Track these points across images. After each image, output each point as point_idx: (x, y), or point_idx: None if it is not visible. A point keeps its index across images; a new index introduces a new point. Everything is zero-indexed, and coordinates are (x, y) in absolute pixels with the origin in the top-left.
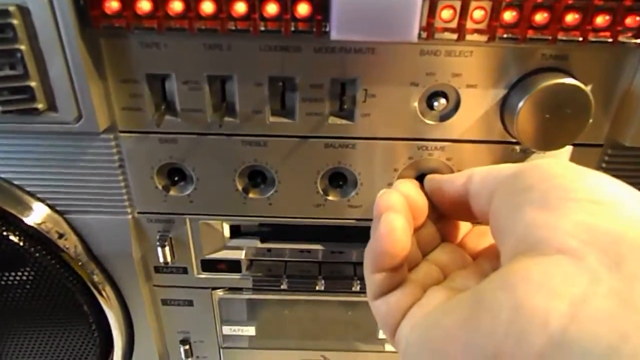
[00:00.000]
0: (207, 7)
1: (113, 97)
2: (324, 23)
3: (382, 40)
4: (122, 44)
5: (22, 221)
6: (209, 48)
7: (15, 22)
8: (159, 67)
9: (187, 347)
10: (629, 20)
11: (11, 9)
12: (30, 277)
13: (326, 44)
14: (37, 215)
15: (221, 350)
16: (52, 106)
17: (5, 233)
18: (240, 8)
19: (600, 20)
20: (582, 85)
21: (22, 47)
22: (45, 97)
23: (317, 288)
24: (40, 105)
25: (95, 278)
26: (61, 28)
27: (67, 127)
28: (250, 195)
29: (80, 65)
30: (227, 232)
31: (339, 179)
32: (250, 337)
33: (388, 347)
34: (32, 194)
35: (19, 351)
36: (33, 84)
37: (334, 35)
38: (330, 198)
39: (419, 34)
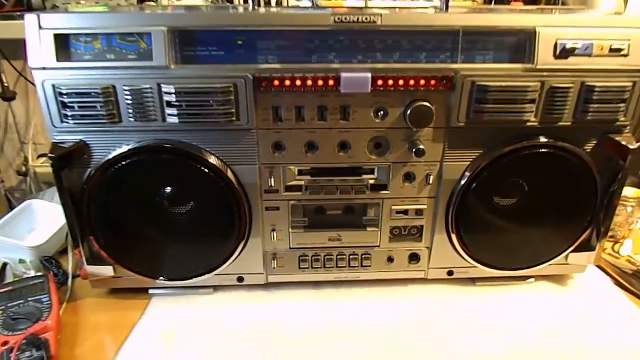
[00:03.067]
0: (297, 82)
1: (258, 114)
2: (338, 87)
3: (358, 92)
4: (266, 96)
5: (204, 159)
6: (297, 96)
7: (231, 89)
8: (277, 103)
9: (275, 233)
10: (432, 82)
11: (231, 85)
12: (210, 194)
13: (339, 92)
14: (213, 161)
15: (290, 233)
16: (237, 118)
17: (198, 166)
18: (308, 82)
19: (423, 82)
20: (430, 105)
21: (232, 98)
22: (236, 115)
23: (336, 196)
24: (234, 118)
25: (242, 198)
26: (247, 91)
27: (240, 126)
28: (308, 154)
29: (252, 104)
30: (296, 172)
31: (344, 145)
32: (305, 225)
33: (369, 229)
34: (213, 154)
35: (190, 240)
36: (232, 110)
37: (342, 90)
38: (340, 154)
39: (371, 89)
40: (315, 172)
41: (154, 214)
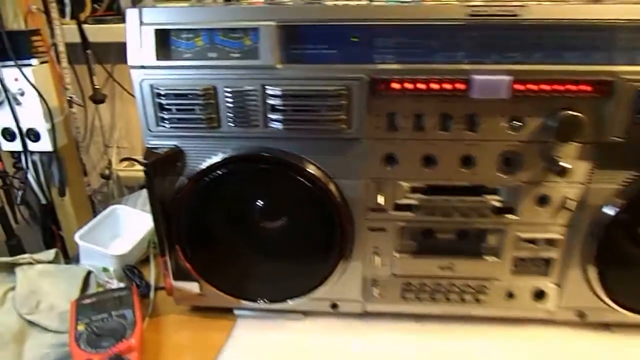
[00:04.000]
0: (420, 85)
1: (370, 122)
2: (468, 91)
3: (491, 97)
4: (381, 101)
5: (305, 170)
6: (416, 102)
7: (344, 92)
8: (393, 109)
9: (377, 257)
10: (586, 87)
11: (344, 88)
12: (308, 209)
13: (468, 98)
14: (315, 172)
15: (395, 259)
16: (348, 125)
17: (298, 177)
18: (433, 85)
19: (573, 87)
20: (581, 115)
21: (344, 102)
22: (347, 123)
23: (452, 219)
24: (344, 126)
25: (344, 216)
26: (362, 96)
27: (349, 135)
28: (424, 169)
29: (364, 109)
30: (408, 189)
31: (468, 160)
32: (413, 251)
33: (487, 258)
34: (315, 165)
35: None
36: (343, 117)
37: (473, 96)
38: (462, 170)
39: (508, 95)
40: (430, 190)
41: (246, 228)
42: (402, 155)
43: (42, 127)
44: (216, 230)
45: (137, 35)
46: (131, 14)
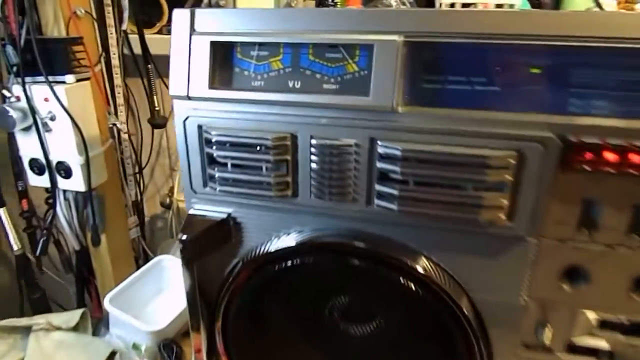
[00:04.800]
0: (636, 159)
1: (549, 213)
2: None
3: None
4: (575, 178)
5: (424, 275)
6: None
7: (512, 161)
8: (594, 194)
9: None
10: None
11: (512, 154)
12: (421, 328)
13: None
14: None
15: None
16: (511, 217)
17: (412, 286)
18: None
19: None
20: None
21: (508, 178)
22: (509, 212)
23: None
24: (502, 217)
25: (480, 348)
26: (543, 169)
27: (510, 231)
28: (635, 296)
29: (545, 191)
30: (596, 323)
31: None
32: None
33: None
34: (440, 267)
35: None
36: (504, 201)
37: None
38: None
39: None
40: (635, 330)
41: (319, 332)
42: (598, 270)
43: (74, 161)
44: (277, 332)
45: (184, 49)
46: (180, 17)
